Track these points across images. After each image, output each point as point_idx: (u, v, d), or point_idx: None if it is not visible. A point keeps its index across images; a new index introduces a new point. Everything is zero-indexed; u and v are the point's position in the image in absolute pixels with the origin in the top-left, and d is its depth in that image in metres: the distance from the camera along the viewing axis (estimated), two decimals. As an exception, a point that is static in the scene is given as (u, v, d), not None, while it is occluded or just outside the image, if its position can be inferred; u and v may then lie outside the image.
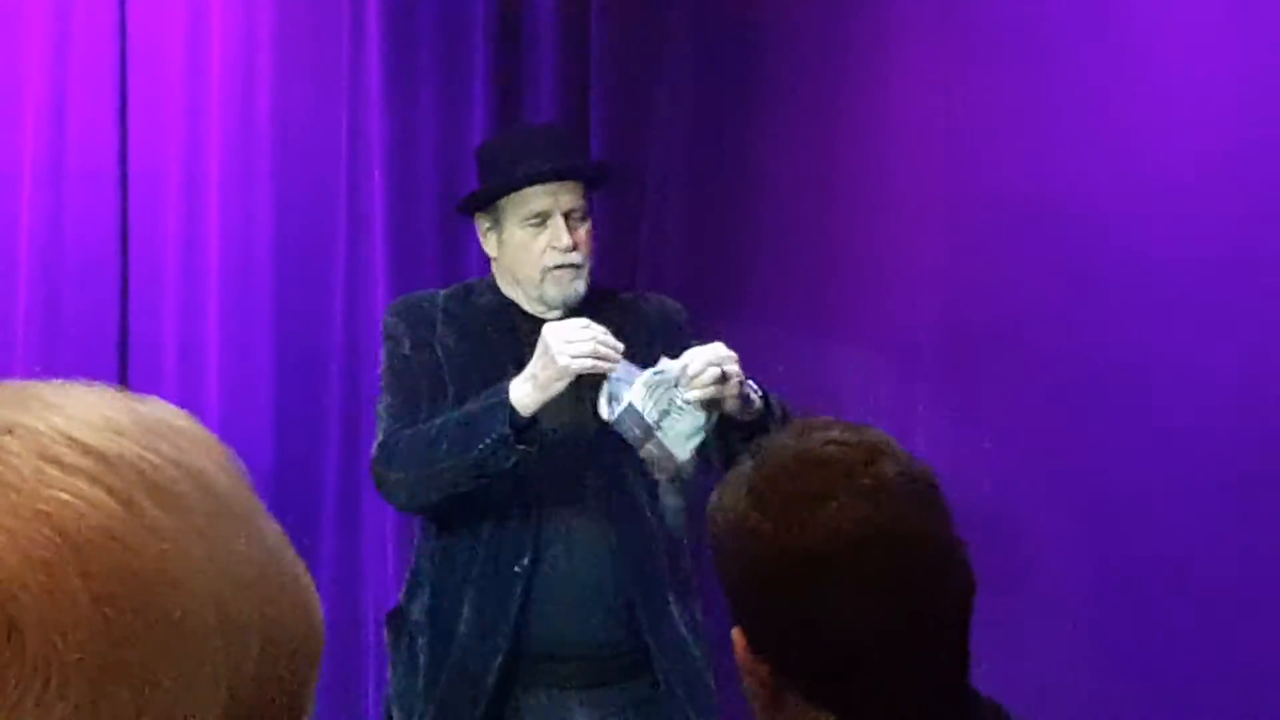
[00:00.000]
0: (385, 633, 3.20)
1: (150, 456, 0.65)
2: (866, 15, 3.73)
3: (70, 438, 0.64)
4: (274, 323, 4.05)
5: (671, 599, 3.07)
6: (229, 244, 4.05)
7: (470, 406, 3.02)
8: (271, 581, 0.67)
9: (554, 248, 3.11)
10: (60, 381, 0.69)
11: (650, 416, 2.89)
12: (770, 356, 3.41)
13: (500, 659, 3.00)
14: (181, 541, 0.64)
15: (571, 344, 2.91)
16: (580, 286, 3.15)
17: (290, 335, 4.06)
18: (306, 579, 0.70)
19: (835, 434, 1.56)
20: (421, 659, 3.09)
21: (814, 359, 3.17)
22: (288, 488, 3.96)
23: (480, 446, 2.94)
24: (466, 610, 3.04)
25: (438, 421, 3.04)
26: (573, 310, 3.12)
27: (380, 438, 3.10)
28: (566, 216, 3.13)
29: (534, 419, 2.95)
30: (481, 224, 3.21)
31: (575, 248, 3.12)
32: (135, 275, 4.07)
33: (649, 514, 3.10)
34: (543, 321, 3.09)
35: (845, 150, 3.68)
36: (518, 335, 3.14)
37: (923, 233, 3.58)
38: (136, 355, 4.08)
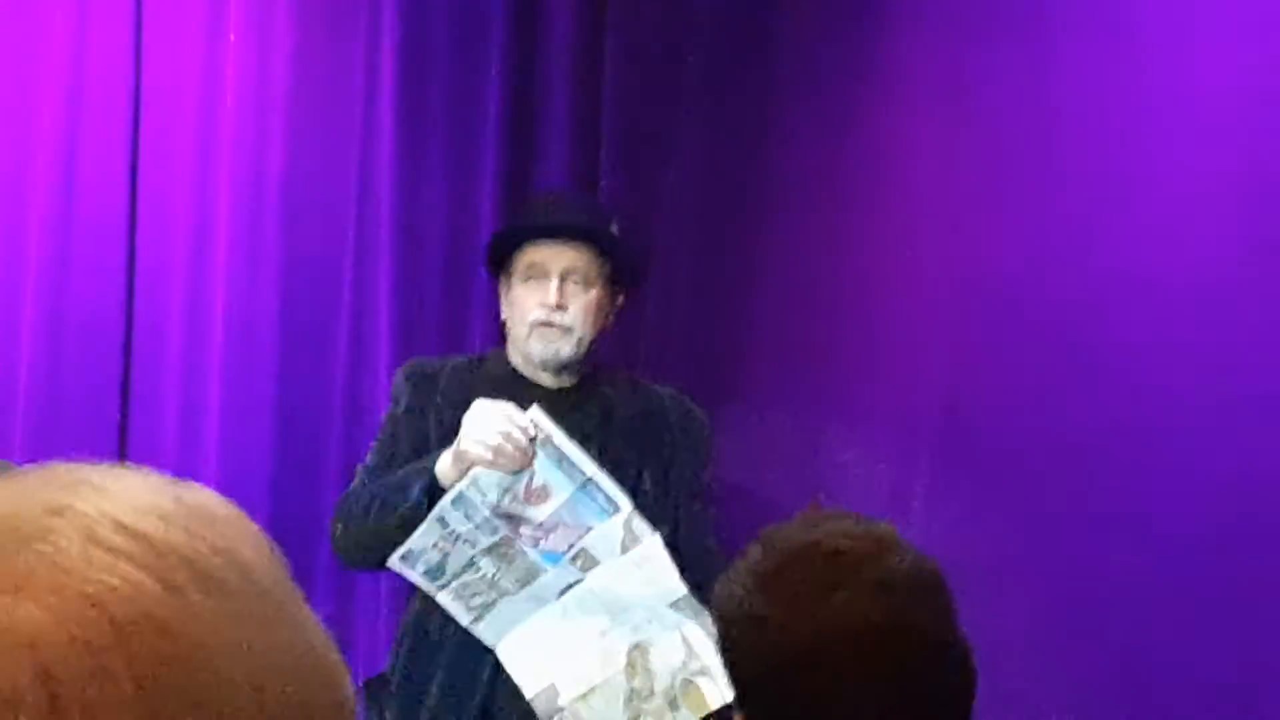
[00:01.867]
0: (363, 699, 3.18)
1: (195, 543, 0.66)
2: (871, 103, 3.76)
3: (118, 522, 0.65)
4: (277, 380, 4.05)
5: None
6: (234, 299, 4.06)
7: (406, 469, 3.00)
8: (308, 670, 0.68)
9: (542, 304, 3.07)
10: (108, 465, 0.70)
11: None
12: (770, 439, 3.42)
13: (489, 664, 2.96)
14: (223, 627, 0.64)
15: (481, 429, 2.85)
16: (565, 350, 3.08)
17: (292, 394, 4.06)
18: (342, 668, 0.71)
19: (844, 526, 1.57)
20: None
21: (814, 442, 3.19)
22: (282, 547, 3.95)
23: (399, 510, 2.92)
24: (439, 676, 3.00)
25: (381, 481, 3.02)
26: (570, 378, 3.10)
27: (344, 492, 3.11)
28: (565, 278, 3.08)
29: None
30: (501, 288, 3.19)
31: (563, 308, 3.07)
32: (139, 333, 4.08)
33: None
34: (542, 389, 3.07)
35: (847, 237, 3.71)
36: (518, 404, 3.06)
37: (923, 317, 3.60)
38: (137, 417, 4.07)
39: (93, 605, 0.62)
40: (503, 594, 2.86)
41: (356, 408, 4.03)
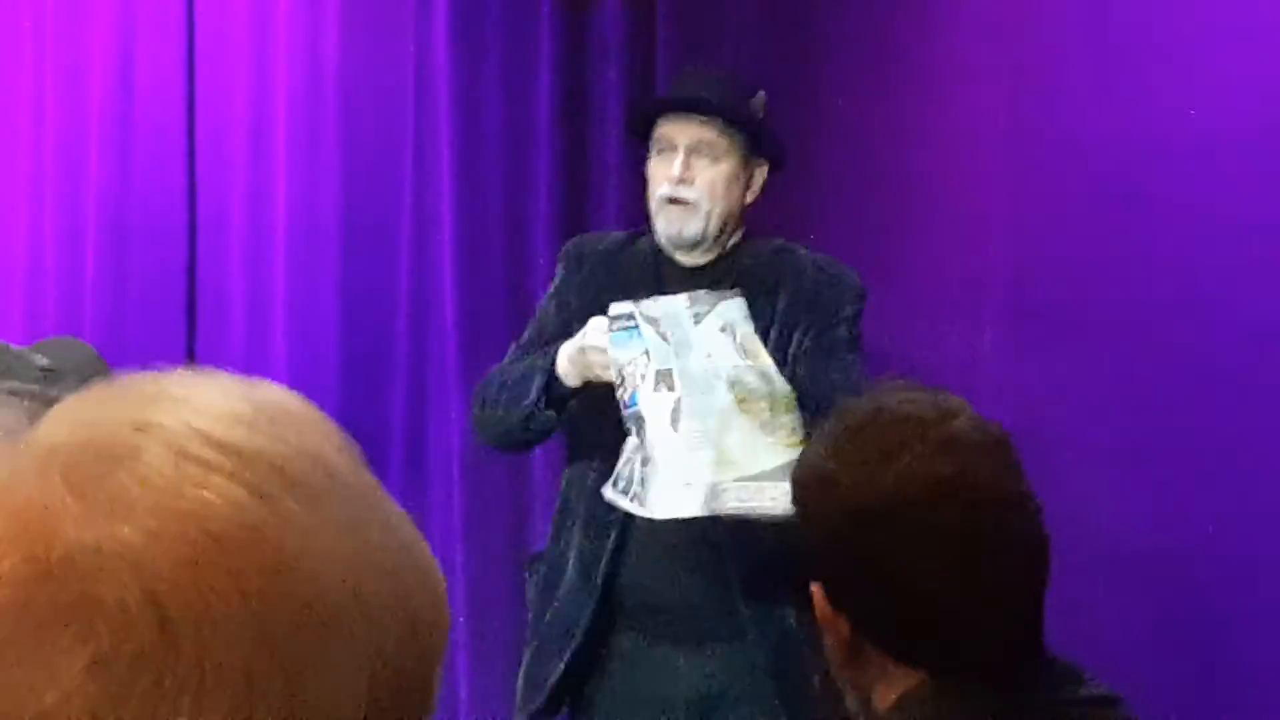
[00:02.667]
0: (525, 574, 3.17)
1: (280, 448, 0.67)
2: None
3: (205, 434, 0.66)
4: (339, 280, 4.07)
5: (776, 580, 2.86)
6: (295, 202, 4.07)
7: (531, 361, 2.98)
8: (405, 567, 0.69)
9: (668, 178, 2.97)
10: (181, 372, 0.71)
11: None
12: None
13: (593, 605, 2.93)
14: (319, 533, 0.65)
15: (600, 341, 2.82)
16: (691, 227, 2.97)
17: (356, 290, 4.06)
18: (433, 563, 0.72)
19: (911, 395, 1.61)
20: (533, 599, 3.07)
21: (882, 316, 3.19)
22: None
23: (522, 406, 2.92)
24: (573, 553, 2.98)
25: (515, 366, 3.01)
26: (704, 254, 3.00)
27: (490, 371, 3.09)
28: (692, 152, 2.98)
29: (574, 389, 2.88)
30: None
31: (687, 181, 2.96)
32: (202, 232, 4.12)
33: None
34: (683, 269, 3.00)
35: (905, 113, 3.69)
36: (654, 281, 3.00)
37: (985, 189, 3.60)
38: (204, 314, 4.13)
39: (192, 522, 0.63)
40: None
41: (421, 301, 4.03)
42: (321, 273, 4.07)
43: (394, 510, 0.71)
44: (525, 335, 3.11)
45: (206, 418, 0.67)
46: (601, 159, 3.93)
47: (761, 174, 3.05)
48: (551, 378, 2.90)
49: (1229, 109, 3.26)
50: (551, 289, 3.14)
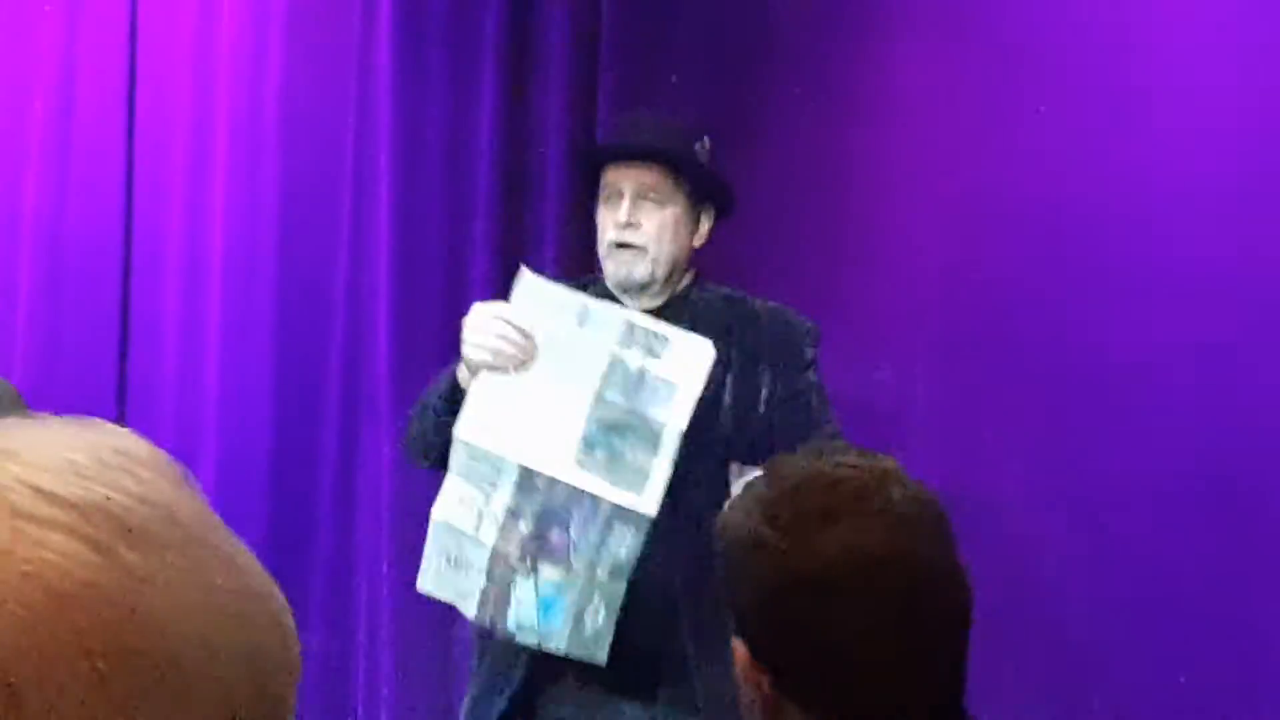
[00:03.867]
0: None
1: (118, 497, 0.65)
2: (872, 13, 3.75)
3: (37, 489, 0.64)
4: (275, 302, 4.05)
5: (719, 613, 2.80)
6: (232, 224, 4.06)
7: (442, 374, 2.97)
8: (250, 607, 0.68)
9: (616, 223, 3.00)
10: (10, 420, 0.68)
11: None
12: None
13: (527, 652, 2.88)
14: (161, 584, 0.64)
15: (474, 331, 2.82)
16: (639, 271, 2.99)
17: (291, 312, 4.05)
18: (276, 593, 0.70)
19: (848, 458, 1.61)
20: (475, 639, 3.07)
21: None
22: (285, 475, 4.01)
23: (431, 415, 2.92)
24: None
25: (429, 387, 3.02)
26: (654, 299, 3.00)
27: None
28: (638, 198, 3.00)
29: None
30: None
31: (633, 225, 2.98)
32: (138, 252, 4.10)
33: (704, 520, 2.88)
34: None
35: (852, 143, 3.71)
36: None
37: (922, 222, 3.62)
38: (137, 334, 4.10)
39: (33, 583, 0.61)
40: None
41: (357, 327, 4.01)
42: (256, 294, 4.06)
43: (239, 550, 0.69)
44: None
45: (36, 470, 0.64)
46: (541, 184, 3.93)
47: (709, 218, 3.08)
48: (454, 383, 2.89)
49: (1171, 148, 3.30)
50: None
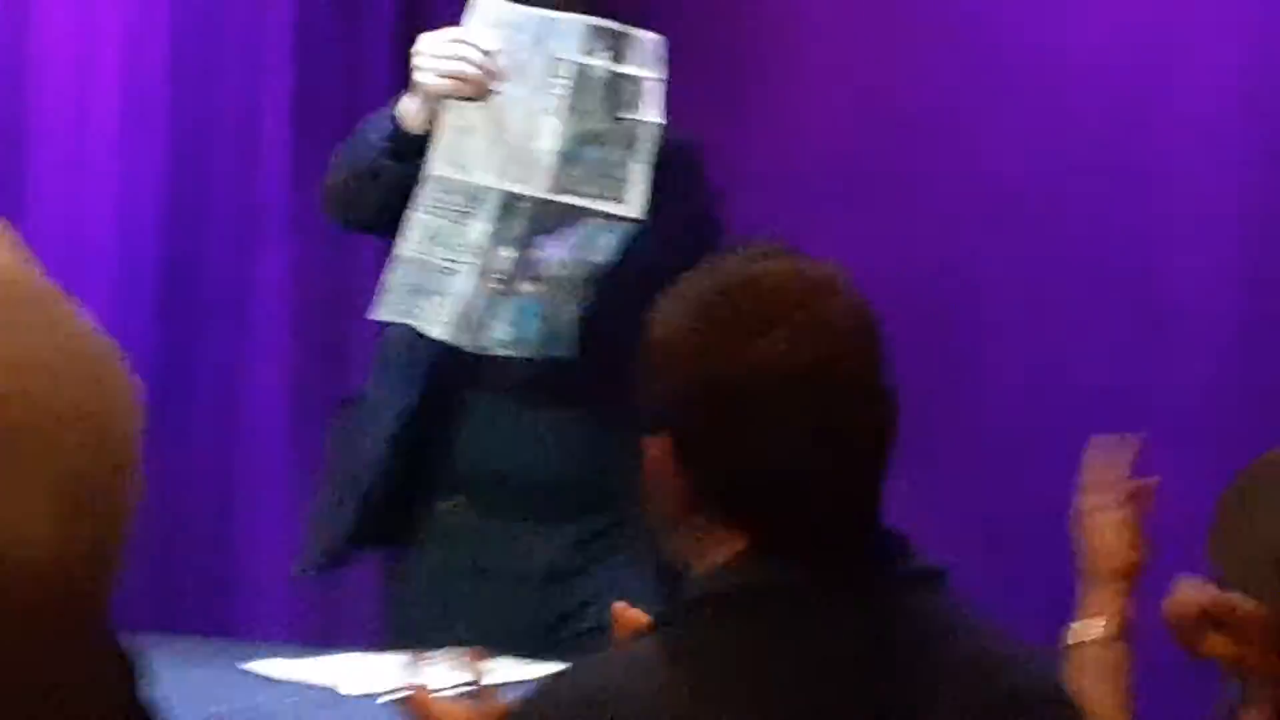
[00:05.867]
0: None
1: None
2: None
3: None
4: (170, 118, 3.94)
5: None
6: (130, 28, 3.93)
7: (372, 116, 2.77)
8: (77, 365, 0.67)
9: None
10: None
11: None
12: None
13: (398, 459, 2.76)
14: None
15: (431, 59, 2.61)
16: None
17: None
18: (114, 356, 0.69)
19: (788, 264, 1.60)
20: (331, 447, 2.93)
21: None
22: (175, 286, 3.94)
23: (365, 160, 2.69)
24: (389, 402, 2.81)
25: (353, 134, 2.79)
26: None
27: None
28: None
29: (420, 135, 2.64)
30: None
31: None
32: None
33: None
34: None
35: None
36: None
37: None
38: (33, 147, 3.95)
39: None
40: None
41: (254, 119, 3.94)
42: (151, 95, 3.92)
43: (80, 320, 0.69)
44: None
45: None
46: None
47: None
48: (396, 126, 2.66)
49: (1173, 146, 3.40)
50: None
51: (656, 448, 1.60)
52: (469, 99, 2.62)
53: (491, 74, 2.61)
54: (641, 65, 2.66)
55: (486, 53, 2.62)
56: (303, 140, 3.86)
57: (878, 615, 1.56)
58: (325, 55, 3.93)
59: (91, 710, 0.66)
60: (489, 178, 2.65)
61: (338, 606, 3.71)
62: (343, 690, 2.70)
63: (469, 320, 2.69)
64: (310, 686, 2.76)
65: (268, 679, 2.82)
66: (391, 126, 2.67)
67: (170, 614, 3.67)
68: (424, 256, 2.67)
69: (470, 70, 2.60)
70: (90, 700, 0.65)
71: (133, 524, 0.68)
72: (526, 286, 2.68)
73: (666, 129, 2.69)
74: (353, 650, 2.79)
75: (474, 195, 2.65)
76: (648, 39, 2.67)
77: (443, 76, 2.61)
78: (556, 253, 2.67)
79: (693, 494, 1.58)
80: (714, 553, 1.58)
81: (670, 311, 1.60)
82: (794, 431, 1.54)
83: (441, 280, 2.67)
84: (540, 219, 2.66)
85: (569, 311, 2.70)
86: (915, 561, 1.60)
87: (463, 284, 2.66)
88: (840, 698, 1.54)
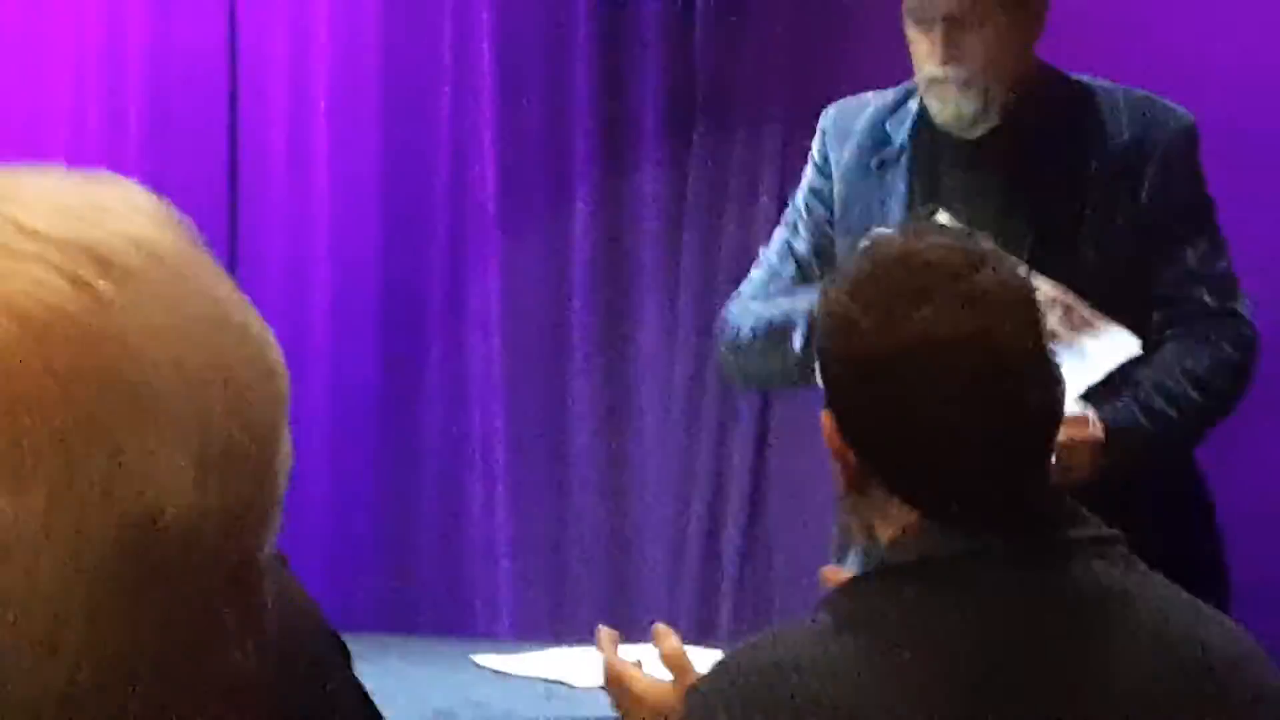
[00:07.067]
0: None
1: (104, 237, 0.68)
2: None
3: (21, 226, 0.67)
4: (381, 140, 4.05)
5: None
6: (338, 57, 4.03)
7: (791, 301, 2.61)
8: (227, 333, 0.70)
9: (930, 57, 2.55)
10: (11, 167, 0.72)
11: None
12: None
13: None
14: (133, 310, 0.67)
15: None
16: (967, 106, 2.55)
17: (396, 151, 4.05)
18: (260, 326, 0.73)
19: (944, 239, 1.64)
20: None
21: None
22: (395, 304, 4.05)
23: (783, 359, 2.57)
24: None
25: (767, 304, 2.66)
26: (985, 125, 2.58)
27: (734, 295, 2.77)
28: (951, 21, 2.53)
29: None
30: None
31: (951, 61, 2.53)
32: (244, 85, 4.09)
33: None
34: (955, 140, 2.60)
35: None
36: (920, 159, 2.63)
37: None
38: (245, 167, 4.09)
39: (3, 313, 0.64)
40: None
41: (462, 162, 4.03)
42: (364, 128, 4.04)
43: (224, 287, 0.72)
44: (775, 241, 2.78)
45: (30, 210, 0.68)
46: None
47: (1036, 23, 2.63)
48: (811, 325, 2.42)
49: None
50: (807, 178, 2.76)
51: (828, 421, 1.64)
52: None
53: None
54: (1095, 346, 2.49)
55: None
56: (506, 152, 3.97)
57: (1051, 583, 1.57)
58: (527, 73, 4.01)
59: (243, 672, 0.70)
60: None
61: (562, 603, 3.82)
62: (575, 683, 2.76)
63: None
64: (541, 680, 2.83)
65: (498, 673, 2.91)
66: (806, 328, 2.49)
67: (405, 613, 3.82)
68: None
69: None
70: (243, 660, 0.69)
71: (282, 491, 0.72)
72: None
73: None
74: (582, 645, 2.82)
75: None
76: (1117, 335, 2.51)
77: None
78: None
79: (863, 465, 1.62)
80: (888, 524, 1.62)
81: (833, 293, 1.64)
82: (950, 402, 1.56)
83: None
84: None
85: None
86: (1088, 528, 1.61)
87: None
88: (1016, 665, 1.55)
